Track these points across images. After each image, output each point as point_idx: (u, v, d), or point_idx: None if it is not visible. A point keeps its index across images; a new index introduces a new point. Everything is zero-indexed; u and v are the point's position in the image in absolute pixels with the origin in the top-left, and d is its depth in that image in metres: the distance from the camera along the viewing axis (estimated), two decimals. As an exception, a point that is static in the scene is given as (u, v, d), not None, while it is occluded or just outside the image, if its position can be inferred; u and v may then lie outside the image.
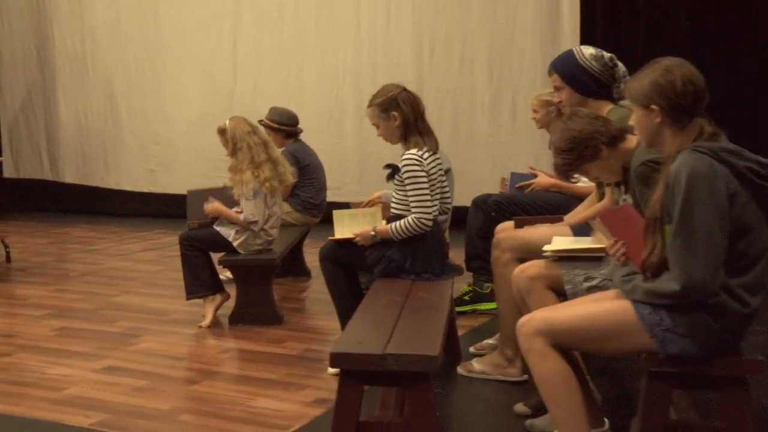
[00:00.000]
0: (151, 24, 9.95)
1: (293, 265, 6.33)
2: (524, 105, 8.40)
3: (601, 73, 3.73)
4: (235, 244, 4.96)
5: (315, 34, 9.22)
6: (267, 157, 5.00)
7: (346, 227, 4.16)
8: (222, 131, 5.09)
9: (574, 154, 3.13)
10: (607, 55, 3.77)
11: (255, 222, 4.90)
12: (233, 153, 5.01)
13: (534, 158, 8.36)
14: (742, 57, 7.13)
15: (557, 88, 3.86)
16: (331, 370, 3.97)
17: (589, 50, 3.79)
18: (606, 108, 3.70)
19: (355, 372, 2.67)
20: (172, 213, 9.85)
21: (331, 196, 8.91)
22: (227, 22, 9.60)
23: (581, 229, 3.68)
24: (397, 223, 3.82)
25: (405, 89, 3.98)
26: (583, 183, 4.92)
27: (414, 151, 3.83)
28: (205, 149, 9.76)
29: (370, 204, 5.13)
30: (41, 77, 10.65)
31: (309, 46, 9.24)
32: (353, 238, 3.96)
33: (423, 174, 3.80)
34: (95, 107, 10.41)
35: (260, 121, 6.22)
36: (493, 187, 7.43)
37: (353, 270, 4.12)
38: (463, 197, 7.86)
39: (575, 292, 3.03)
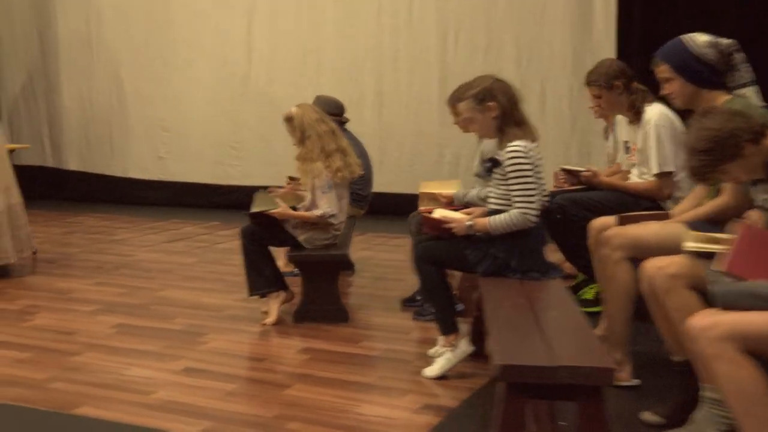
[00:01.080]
0: (160, 5, 9.64)
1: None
2: (553, 94, 8.28)
3: (717, 61, 3.58)
4: (300, 239, 4.77)
5: (333, 18, 9.00)
6: (336, 147, 4.81)
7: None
8: (289, 119, 4.88)
9: (715, 154, 2.98)
10: (725, 41, 3.61)
11: (334, 215, 4.72)
12: (301, 142, 4.81)
13: (563, 147, 8.27)
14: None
15: (666, 80, 3.70)
16: (429, 373, 3.82)
17: (702, 37, 3.64)
18: (722, 98, 3.56)
19: (522, 385, 2.51)
20: (185, 202, 9.62)
21: None
22: (241, 4, 9.33)
23: (697, 227, 3.55)
24: (498, 216, 3.65)
25: (498, 78, 3.80)
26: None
27: (519, 142, 3.66)
28: (217, 136, 9.53)
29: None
30: (42, 60, 10.28)
31: (327, 30, 9.02)
32: (443, 221, 3.78)
33: (529, 166, 3.64)
34: (101, 92, 10.08)
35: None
36: None
37: (445, 269, 3.96)
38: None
39: (726, 293, 2.82)
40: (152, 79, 9.77)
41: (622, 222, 3.83)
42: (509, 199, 3.69)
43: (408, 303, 5.14)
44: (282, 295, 4.82)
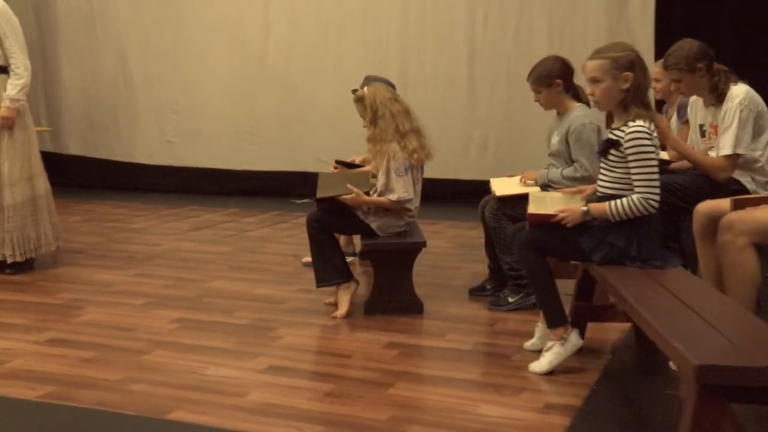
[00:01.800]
0: (170, -19, 9.26)
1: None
2: (587, 74, 8.05)
3: None
4: (374, 226, 4.49)
5: (354, -1, 8.68)
6: (411, 127, 4.53)
7: (534, 204, 3.72)
8: (360, 99, 4.60)
9: None
10: None
11: (410, 200, 4.45)
12: (373, 122, 4.52)
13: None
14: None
15: None
16: (537, 369, 3.57)
17: None
18: None
19: (718, 387, 2.28)
20: (196, 188, 9.27)
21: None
22: (258, -19, 8.98)
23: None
24: (618, 201, 3.41)
25: (639, 54, 3.52)
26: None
27: (641, 122, 3.41)
28: (233, 120, 9.19)
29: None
30: (39, 39, 9.80)
31: (349, 7, 8.71)
32: (553, 216, 3.53)
33: (653, 148, 3.39)
34: (105, 72, 9.67)
35: (354, 91, 5.72)
36: (545, 158, 7.06)
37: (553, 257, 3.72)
38: (515, 169, 7.53)
39: None
40: (161, 59, 9.38)
41: (739, 206, 3.61)
42: (626, 183, 3.45)
43: (476, 292, 4.90)
44: (353, 285, 4.55)
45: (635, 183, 3.40)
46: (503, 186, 4.75)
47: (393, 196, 4.42)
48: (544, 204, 3.69)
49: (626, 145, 3.40)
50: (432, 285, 5.10)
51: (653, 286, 3.11)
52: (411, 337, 4.14)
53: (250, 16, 9.01)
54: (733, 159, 4.25)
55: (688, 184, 4.48)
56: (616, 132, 3.48)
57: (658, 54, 7.42)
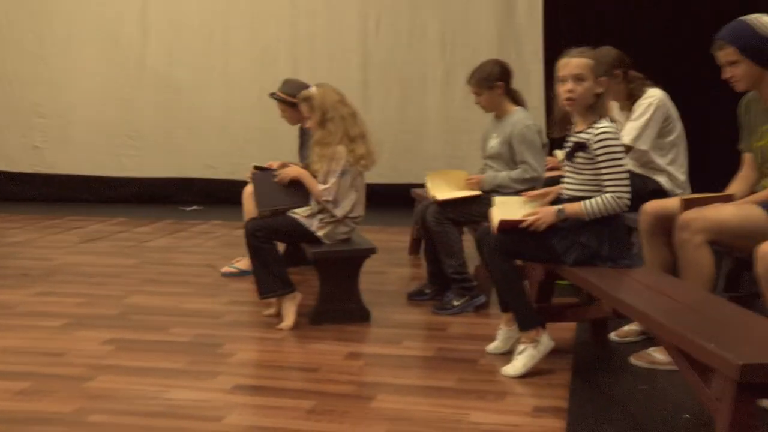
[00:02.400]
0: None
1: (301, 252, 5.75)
2: (479, 79, 8.17)
3: None
4: (319, 234, 4.34)
5: (242, 1, 8.43)
6: (360, 132, 4.40)
7: (500, 209, 3.70)
8: (307, 98, 4.41)
9: None
10: None
11: (330, 202, 4.31)
12: (321, 124, 4.35)
13: (489, 134, 8.18)
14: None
15: (730, 63, 3.61)
16: (512, 372, 3.55)
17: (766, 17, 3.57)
18: None
19: (755, 385, 2.32)
20: (68, 196, 8.71)
21: None
22: (134, -22, 8.54)
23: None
24: (592, 200, 3.43)
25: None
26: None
27: (607, 123, 3.46)
28: (109, 124, 8.69)
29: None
30: None
31: (236, 10, 8.46)
32: (521, 221, 3.53)
33: (621, 148, 3.45)
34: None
35: (272, 95, 5.55)
36: (445, 164, 7.03)
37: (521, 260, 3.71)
38: (412, 175, 7.56)
39: None
40: (22, 58, 8.76)
41: (688, 205, 3.72)
42: (595, 184, 3.49)
43: (415, 297, 4.84)
44: (298, 296, 4.37)
45: (606, 182, 3.45)
46: (440, 189, 4.70)
47: (321, 187, 4.30)
48: (510, 208, 3.67)
49: (596, 146, 3.44)
50: (366, 291, 4.97)
51: (640, 287, 3.16)
52: (369, 346, 4.03)
53: (125, 16, 8.56)
54: (632, 152, 4.44)
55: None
56: (581, 135, 3.51)
57: (548, 60, 7.65)
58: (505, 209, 3.68)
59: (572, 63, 3.53)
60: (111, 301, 4.82)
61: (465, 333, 4.21)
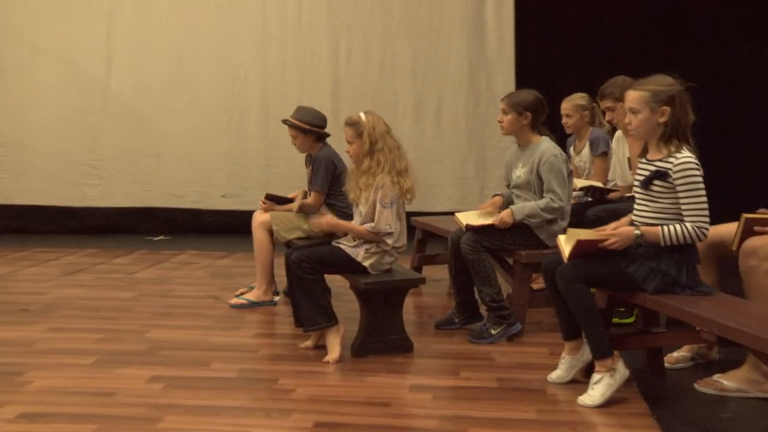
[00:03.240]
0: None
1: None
2: (450, 109, 8.12)
3: None
4: (366, 264, 4.13)
5: (211, 26, 8.17)
6: (406, 166, 4.23)
7: (569, 239, 3.60)
8: (355, 124, 4.17)
9: None
10: None
11: (391, 234, 4.12)
12: (370, 153, 4.14)
13: (460, 162, 8.14)
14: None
15: None
16: (590, 402, 3.43)
17: None
18: None
19: None
20: (25, 227, 8.16)
21: (230, 204, 8.03)
22: (98, 6, 8.14)
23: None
24: (671, 227, 3.36)
25: (685, 88, 3.48)
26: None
27: (689, 154, 3.42)
28: (71, 153, 8.21)
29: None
30: None
31: (204, 37, 8.15)
32: (603, 240, 3.44)
33: (702, 179, 3.41)
34: None
35: (285, 121, 5.34)
36: (417, 192, 6.82)
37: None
38: None
39: None
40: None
41: (748, 223, 3.67)
42: (672, 213, 3.42)
43: (444, 326, 4.68)
44: (341, 328, 4.15)
45: (686, 212, 3.38)
46: (471, 219, 4.58)
47: (369, 226, 4.10)
48: (577, 237, 3.57)
49: (676, 175, 3.38)
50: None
51: (739, 314, 3.10)
52: (428, 378, 3.82)
53: (90, 40, 8.14)
54: None
55: (622, 211, 4.62)
56: (658, 163, 3.46)
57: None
58: (573, 240, 3.57)
59: (628, 96, 3.51)
60: (132, 336, 4.46)
61: (515, 362, 4.07)
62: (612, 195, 5.02)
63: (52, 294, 5.47)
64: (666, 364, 3.97)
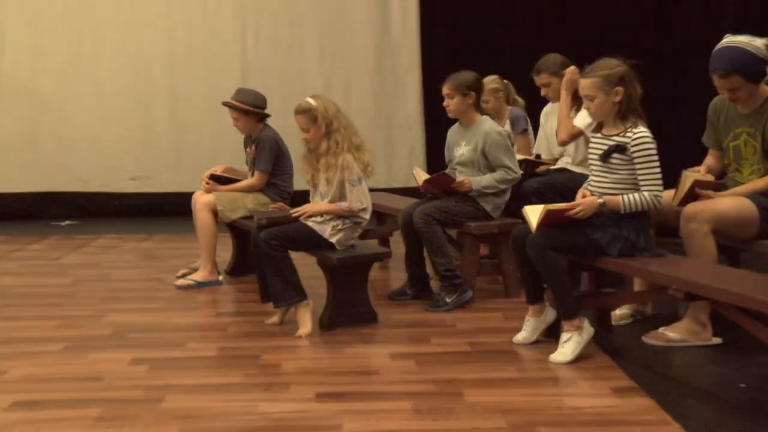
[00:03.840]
0: None
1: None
2: (358, 90, 8.19)
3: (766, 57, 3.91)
4: (333, 240, 4.17)
5: (114, 5, 7.82)
6: (361, 141, 4.29)
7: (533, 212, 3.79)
8: (307, 110, 4.18)
9: None
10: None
11: (365, 209, 4.19)
12: (327, 135, 4.17)
13: (368, 141, 8.18)
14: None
15: (735, 89, 3.87)
16: (562, 359, 3.64)
17: (760, 40, 3.93)
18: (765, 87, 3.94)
19: None
20: None
21: (140, 187, 7.83)
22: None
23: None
24: (630, 196, 3.60)
25: (629, 66, 3.72)
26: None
27: (644, 128, 3.68)
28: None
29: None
30: None
31: (106, 18, 7.83)
32: (569, 209, 3.65)
33: (655, 151, 3.67)
34: None
35: (226, 103, 5.28)
36: None
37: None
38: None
39: None
40: None
41: (701, 186, 3.97)
42: (629, 183, 3.67)
43: (396, 297, 4.79)
44: (310, 302, 4.18)
45: (643, 182, 3.64)
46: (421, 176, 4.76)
47: (344, 204, 4.17)
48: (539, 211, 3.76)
49: (634, 149, 3.64)
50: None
51: (710, 274, 3.38)
52: (406, 347, 3.92)
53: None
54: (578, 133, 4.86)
55: (570, 183, 4.91)
56: (616, 138, 3.70)
57: (425, 70, 7.85)
58: (536, 212, 3.77)
59: (582, 84, 3.74)
60: (92, 322, 4.32)
61: (477, 327, 4.24)
62: (540, 168, 5.28)
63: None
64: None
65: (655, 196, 3.65)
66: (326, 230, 4.18)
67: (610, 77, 3.65)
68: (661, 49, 7.18)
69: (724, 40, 3.95)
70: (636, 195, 3.64)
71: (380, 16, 8.05)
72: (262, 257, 4.10)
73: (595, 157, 3.80)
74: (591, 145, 3.87)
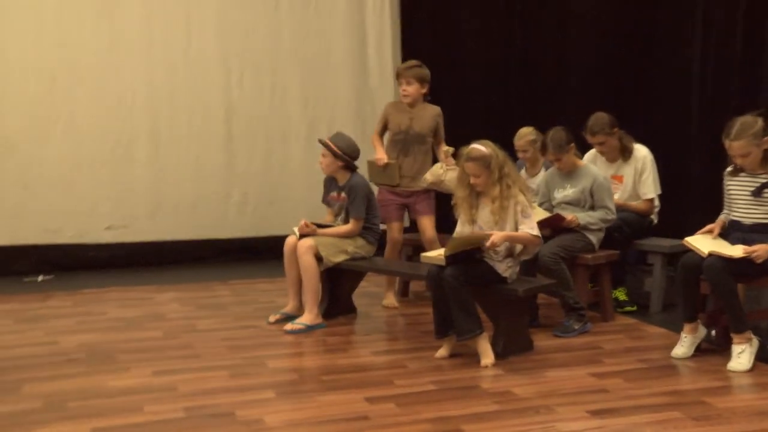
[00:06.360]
0: None
1: (345, 303, 5.63)
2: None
3: None
4: (506, 274, 4.51)
5: (91, 47, 7.57)
6: (523, 181, 4.69)
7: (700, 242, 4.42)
8: (480, 158, 4.42)
9: None
10: None
11: (538, 236, 4.56)
12: (499, 180, 4.46)
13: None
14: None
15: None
16: (740, 368, 4.20)
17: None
18: None
19: None
20: None
21: (118, 237, 7.64)
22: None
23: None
24: None
25: (763, 117, 4.40)
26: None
27: (792, 166, 4.41)
28: None
29: None
30: None
31: (83, 60, 7.53)
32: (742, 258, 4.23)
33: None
34: None
35: (322, 141, 5.47)
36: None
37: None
38: (276, 226, 7.60)
39: None
40: None
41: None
42: (775, 213, 4.40)
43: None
44: (485, 333, 4.47)
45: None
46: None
47: (534, 232, 4.51)
48: (722, 247, 4.37)
49: (781, 185, 4.37)
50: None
51: None
52: (572, 369, 4.32)
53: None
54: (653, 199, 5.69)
55: (635, 221, 5.66)
56: (765, 176, 4.41)
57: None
58: (704, 243, 4.39)
59: (734, 146, 4.40)
60: (259, 370, 4.30)
61: (625, 348, 4.73)
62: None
63: (63, 343, 4.88)
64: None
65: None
66: (501, 267, 4.50)
67: (757, 134, 4.37)
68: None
69: None
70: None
71: (360, 66, 8.38)
72: (450, 293, 4.34)
73: (746, 193, 4.48)
74: (733, 185, 4.54)
